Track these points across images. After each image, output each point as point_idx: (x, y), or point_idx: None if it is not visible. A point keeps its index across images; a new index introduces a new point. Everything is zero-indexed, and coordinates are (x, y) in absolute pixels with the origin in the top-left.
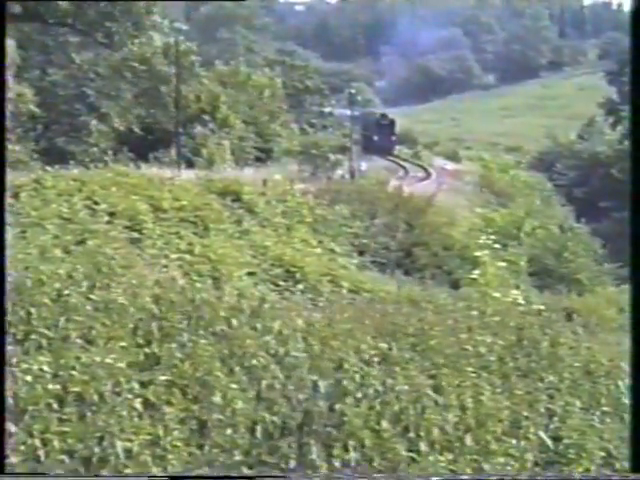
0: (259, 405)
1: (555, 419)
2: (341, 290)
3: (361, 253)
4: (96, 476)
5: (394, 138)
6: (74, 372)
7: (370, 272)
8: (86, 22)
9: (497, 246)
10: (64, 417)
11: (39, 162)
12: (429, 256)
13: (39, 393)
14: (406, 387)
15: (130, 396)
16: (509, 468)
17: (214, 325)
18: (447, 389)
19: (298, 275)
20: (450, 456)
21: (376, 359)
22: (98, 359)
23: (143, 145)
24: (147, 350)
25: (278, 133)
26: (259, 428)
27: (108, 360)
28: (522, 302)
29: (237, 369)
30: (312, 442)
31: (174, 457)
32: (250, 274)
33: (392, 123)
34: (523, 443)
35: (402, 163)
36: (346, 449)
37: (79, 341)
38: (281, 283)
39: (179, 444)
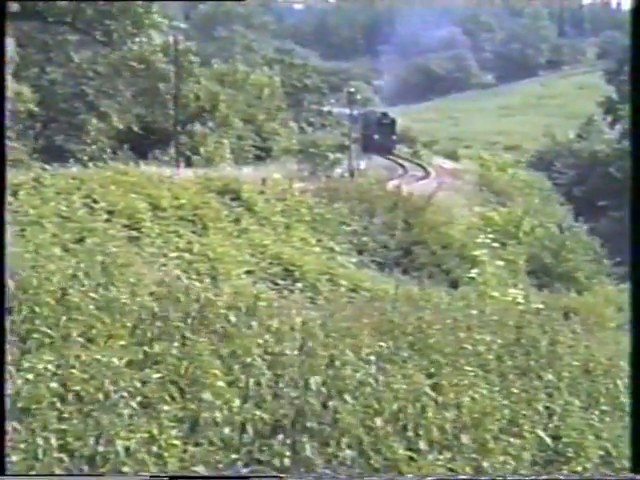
0: (254, 403)
1: (554, 418)
2: (340, 289)
3: (360, 252)
4: (96, 476)
5: (395, 137)
6: (74, 370)
7: (369, 271)
8: (85, 21)
9: (496, 245)
10: (64, 415)
11: (38, 160)
12: (428, 255)
13: (40, 392)
14: (404, 386)
15: (126, 395)
16: (508, 467)
17: (213, 323)
18: (446, 388)
19: (297, 274)
20: (449, 455)
21: (374, 357)
22: (98, 357)
23: (142, 144)
24: (146, 349)
25: (277, 132)
26: (254, 426)
27: (107, 358)
28: (521, 301)
29: (235, 367)
30: (306, 440)
31: (170, 455)
32: (249, 272)
33: (393, 122)
34: (522, 442)
35: (401, 162)
36: (342, 447)
37: (80, 339)
38: (280, 282)
39: (177, 442)
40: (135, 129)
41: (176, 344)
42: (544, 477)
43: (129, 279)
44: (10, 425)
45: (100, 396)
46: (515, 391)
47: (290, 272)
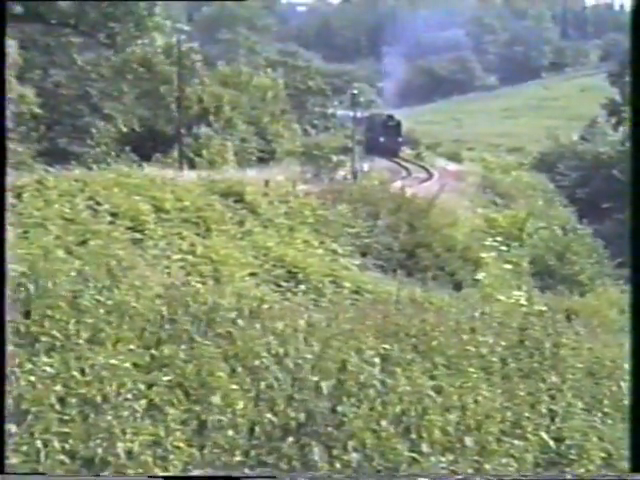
0: (260, 405)
1: (557, 420)
2: (343, 291)
3: (363, 254)
4: (96, 476)
5: (400, 139)
6: (77, 373)
7: (372, 273)
8: (88, 23)
9: (500, 247)
10: (66, 418)
11: (41, 163)
12: (431, 257)
13: (46, 394)
14: (408, 388)
15: (131, 397)
16: (510, 469)
17: (218, 326)
18: (449, 390)
19: (300, 276)
20: (451, 457)
21: (377, 360)
22: (104, 360)
23: (146, 146)
24: (154, 352)
25: (280, 134)
26: (259, 429)
27: (113, 361)
28: (524, 303)
29: (239, 370)
30: (313, 443)
31: (176, 458)
32: (252, 275)
33: (398, 124)
34: (524, 443)
35: (404, 164)
36: (347, 450)
37: (82, 342)
38: (283, 284)
39: (182, 445)
40: (139, 131)
41: (183, 347)
42: (544, 477)
43: (134, 281)
44: (12, 427)
45: (107, 398)
46: (518, 393)
47: (293, 274)
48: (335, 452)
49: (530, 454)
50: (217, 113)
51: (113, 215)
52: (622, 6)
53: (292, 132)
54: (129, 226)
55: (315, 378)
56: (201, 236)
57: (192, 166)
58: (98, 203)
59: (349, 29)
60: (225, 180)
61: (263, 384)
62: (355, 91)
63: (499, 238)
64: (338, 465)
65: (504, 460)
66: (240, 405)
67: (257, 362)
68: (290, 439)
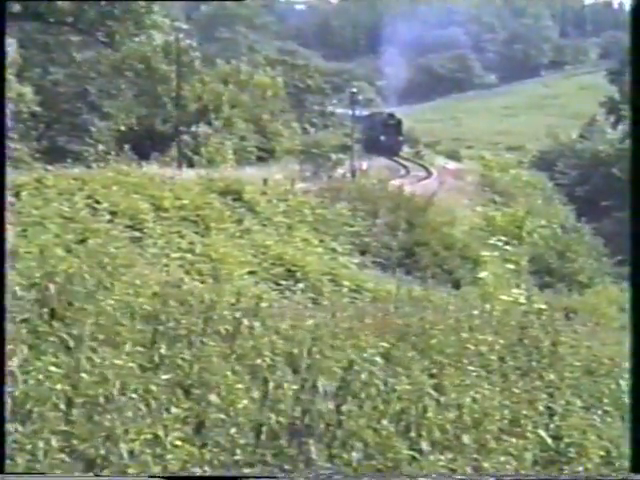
0: (261, 405)
1: (556, 418)
2: (342, 289)
3: (362, 252)
4: (96, 476)
5: (401, 138)
6: (77, 372)
7: (371, 271)
8: (87, 21)
9: (498, 245)
10: (69, 418)
11: (41, 161)
12: (430, 255)
13: (48, 393)
14: (407, 386)
15: (135, 396)
16: (509, 467)
17: (217, 325)
18: (448, 388)
19: (299, 274)
20: (450, 455)
21: (376, 358)
22: (105, 360)
23: (144, 144)
24: (149, 350)
25: (280, 132)
26: (262, 428)
27: (111, 360)
28: (523, 301)
29: (239, 368)
30: (312, 442)
31: (176, 457)
32: (251, 273)
33: (399, 123)
34: (523, 442)
35: (403, 162)
36: (345, 448)
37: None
38: (282, 282)
39: (182, 444)
40: (137, 129)
41: (182, 346)
42: (544, 477)
43: (133, 280)
44: (15, 427)
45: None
46: (517, 391)
47: (292, 273)
48: (335, 451)
49: (529, 452)
50: (216, 111)
51: (112, 213)
52: (621, 4)
53: (291, 130)
54: (128, 224)
55: (314, 377)
56: (200, 234)
57: (191, 165)
58: (97, 202)
59: (348, 28)
60: (224, 179)
61: (263, 382)
62: (354, 90)
63: (498, 236)
64: (338, 462)
65: (502, 458)
66: (242, 404)
67: (258, 361)
68: (290, 438)
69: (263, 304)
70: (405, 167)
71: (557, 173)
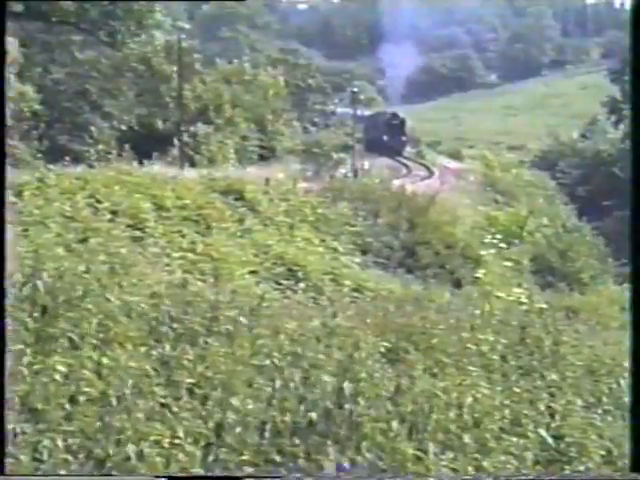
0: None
1: (557, 417)
2: (343, 289)
3: (364, 252)
4: (96, 476)
5: (404, 138)
6: (78, 372)
7: (373, 271)
8: (89, 21)
9: (500, 245)
10: (73, 417)
11: (42, 161)
12: (432, 255)
13: (52, 393)
14: (409, 386)
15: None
16: (509, 466)
17: (220, 324)
18: (449, 388)
19: (300, 274)
20: (452, 455)
21: (377, 357)
22: (106, 359)
23: (146, 144)
24: (154, 350)
25: (281, 132)
26: (268, 427)
27: (109, 360)
28: (525, 301)
29: (242, 368)
30: (316, 442)
31: (181, 457)
32: (252, 272)
33: (402, 123)
34: (524, 441)
35: (405, 162)
36: (345, 447)
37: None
38: (283, 282)
39: (186, 444)
40: (139, 129)
41: (187, 346)
42: (544, 477)
43: (134, 280)
44: (20, 427)
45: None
46: (518, 391)
47: (294, 272)
48: (332, 451)
49: (530, 452)
50: (217, 111)
51: (113, 213)
52: (622, 4)
53: (293, 130)
54: (129, 224)
55: (316, 376)
56: (201, 234)
57: (192, 164)
58: (98, 201)
59: (350, 27)
60: (225, 178)
61: (264, 382)
62: (355, 89)
63: (500, 236)
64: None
65: (503, 458)
66: (249, 404)
67: (256, 360)
68: (295, 438)
69: (264, 303)
70: (407, 166)
71: (558, 172)
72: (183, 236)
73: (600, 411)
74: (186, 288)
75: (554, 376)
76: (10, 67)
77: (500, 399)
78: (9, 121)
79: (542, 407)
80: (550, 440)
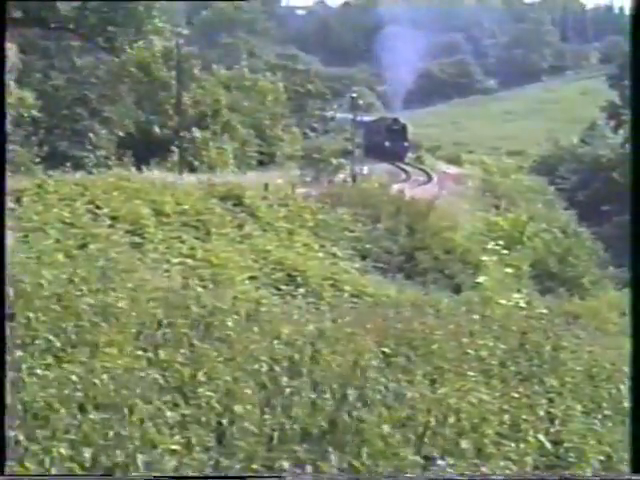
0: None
1: (556, 423)
2: (343, 294)
3: (363, 257)
4: (96, 476)
5: (406, 144)
6: (77, 378)
7: (372, 276)
8: (88, 27)
9: (500, 250)
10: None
11: (41, 166)
12: (431, 260)
13: (44, 398)
14: (408, 391)
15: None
16: (508, 472)
17: (218, 330)
18: (448, 393)
19: (300, 279)
20: (451, 460)
21: (376, 363)
22: (100, 365)
23: (145, 149)
24: (150, 355)
25: (280, 137)
26: (265, 433)
27: (110, 365)
28: (524, 306)
29: (239, 374)
30: (311, 447)
31: (174, 461)
32: (252, 278)
33: (404, 128)
34: (523, 446)
35: (404, 167)
36: (345, 452)
37: (83, 347)
38: (283, 287)
39: (179, 449)
40: (137, 135)
41: (183, 350)
42: (543, 477)
43: (134, 285)
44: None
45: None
46: (517, 396)
47: (293, 277)
48: (332, 456)
49: (529, 457)
50: (216, 116)
51: (113, 219)
52: (622, 9)
53: (292, 135)
54: (129, 230)
55: (314, 381)
56: (201, 240)
57: (191, 170)
58: (98, 207)
59: (348, 32)
60: (225, 183)
61: (262, 388)
62: (354, 94)
63: (499, 241)
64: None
65: (502, 463)
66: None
67: (256, 365)
68: (291, 443)
69: (263, 308)
70: (406, 172)
71: (558, 178)
72: (182, 242)
73: (600, 416)
74: (185, 292)
75: (553, 381)
76: (9, 73)
77: (499, 404)
78: (8, 127)
79: (541, 412)
80: (549, 445)
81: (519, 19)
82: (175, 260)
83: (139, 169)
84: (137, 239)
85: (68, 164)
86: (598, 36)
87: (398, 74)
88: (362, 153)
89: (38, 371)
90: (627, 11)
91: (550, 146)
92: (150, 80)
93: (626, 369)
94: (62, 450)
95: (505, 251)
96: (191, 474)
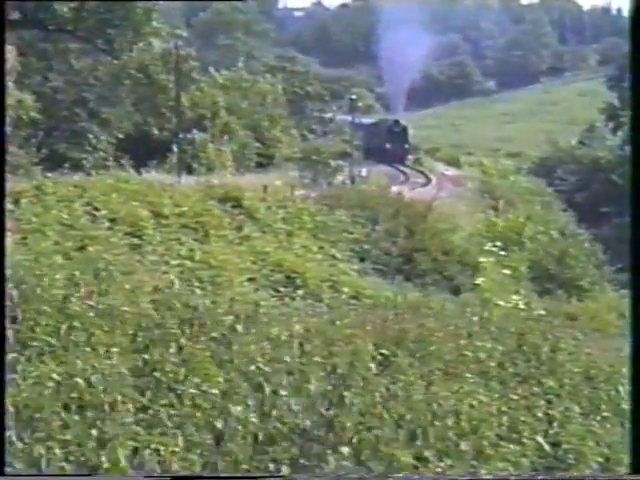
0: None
1: (554, 424)
2: (341, 296)
3: (362, 259)
4: (95, 476)
5: (407, 146)
6: (77, 379)
7: (371, 278)
8: (86, 29)
9: (498, 252)
10: (65, 423)
11: (40, 168)
12: (430, 262)
13: (42, 399)
14: (406, 393)
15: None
16: (505, 473)
17: (215, 331)
18: (446, 395)
19: (298, 281)
20: (449, 462)
21: (375, 365)
22: (99, 366)
23: (144, 151)
24: (147, 356)
25: (279, 139)
26: (255, 434)
27: (108, 367)
28: (523, 307)
29: (234, 375)
30: (307, 448)
31: (168, 462)
32: (250, 280)
33: (405, 130)
34: (521, 448)
35: (403, 169)
36: (342, 454)
37: (81, 348)
38: (281, 289)
39: (176, 450)
40: (136, 137)
41: (175, 351)
42: (543, 477)
43: (132, 287)
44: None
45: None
46: (515, 398)
47: (292, 279)
48: (331, 458)
49: (527, 459)
50: (215, 118)
51: (111, 221)
52: (620, 10)
53: (290, 137)
54: (127, 231)
55: (311, 384)
56: (199, 241)
57: (190, 172)
58: (96, 209)
59: (347, 34)
60: (223, 185)
61: (257, 389)
62: (353, 96)
63: (498, 243)
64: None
65: (501, 465)
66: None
67: (252, 367)
68: (284, 444)
69: (261, 310)
70: (404, 173)
71: (556, 179)
72: (181, 244)
73: (598, 418)
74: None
75: (552, 383)
76: (8, 75)
77: (497, 406)
78: (7, 129)
79: (540, 414)
80: (547, 447)
81: (517, 20)
82: (174, 262)
83: (138, 171)
84: (136, 241)
85: (67, 166)
86: (596, 37)
87: (396, 75)
88: (361, 155)
89: (34, 373)
90: (625, 12)
91: (549, 148)
92: (149, 82)
93: (624, 371)
94: (57, 450)
95: (503, 253)
96: (186, 474)
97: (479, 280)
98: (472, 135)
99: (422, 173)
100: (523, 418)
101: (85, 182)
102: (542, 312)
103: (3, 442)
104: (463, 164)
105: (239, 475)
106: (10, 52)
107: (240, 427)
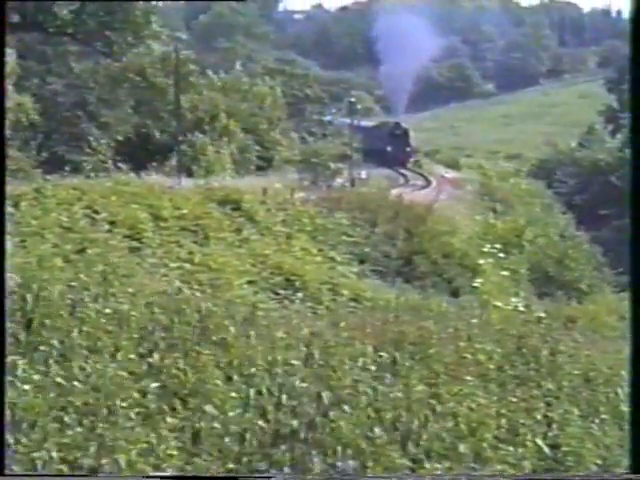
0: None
1: (554, 427)
2: (341, 298)
3: (361, 261)
4: (94, 476)
5: (409, 149)
6: (77, 382)
7: (370, 280)
8: (86, 31)
9: (498, 254)
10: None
11: (40, 171)
12: (429, 264)
13: (43, 403)
14: (405, 395)
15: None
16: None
17: (216, 334)
18: (445, 397)
19: (298, 283)
20: (447, 464)
21: (374, 367)
22: (101, 368)
23: (143, 154)
24: (150, 360)
25: (278, 142)
26: (255, 436)
27: (110, 370)
28: (522, 309)
29: (235, 377)
30: (307, 451)
31: (171, 466)
32: (250, 282)
33: (406, 133)
34: (521, 450)
35: (402, 171)
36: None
37: (83, 351)
38: (281, 291)
39: (175, 453)
40: (136, 139)
41: (179, 354)
42: (543, 477)
43: (131, 290)
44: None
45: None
46: (515, 400)
47: (291, 282)
48: (329, 460)
49: (526, 461)
50: (214, 121)
51: (111, 223)
52: (619, 13)
53: (290, 140)
54: (127, 234)
55: (313, 386)
56: (199, 244)
57: (190, 174)
58: (96, 211)
59: (346, 37)
60: (223, 188)
61: (255, 391)
62: (353, 99)
63: (497, 245)
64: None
65: (500, 467)
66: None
67: (253, 369)
68: (284, 446)
69: (260, 313)
70: (404, 176)
71: (556, 182)
72: (181, 246)
73: (597, 420)
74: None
75: (551, 385)
76: (8, 78)
77: (497, 408)
78: (7, 132)
79: (539, 416)
80: (547, 449)
81: (517, 23)
82: (173, 264)
83: (137, 174)
84: (135, 243)
85: (66, 168)
86: (596, 40)
87: (396, 78)
88: (360, 157)
89: (35, 377)
90: (624, 15)
91: (548, 150)
92: (148, 85)
93: (624, 373)
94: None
95: (503, 255)
96: (184, 474)
97: (478, 282)
98: (471, 137)
99: (422, 175)
100: (522, 420)
101: (84, 185)
102: (541, 314)
103: (3, 443)
104: (462, 166)
105: (231, 475)
106: (10, 55)
107: (240, 427)
